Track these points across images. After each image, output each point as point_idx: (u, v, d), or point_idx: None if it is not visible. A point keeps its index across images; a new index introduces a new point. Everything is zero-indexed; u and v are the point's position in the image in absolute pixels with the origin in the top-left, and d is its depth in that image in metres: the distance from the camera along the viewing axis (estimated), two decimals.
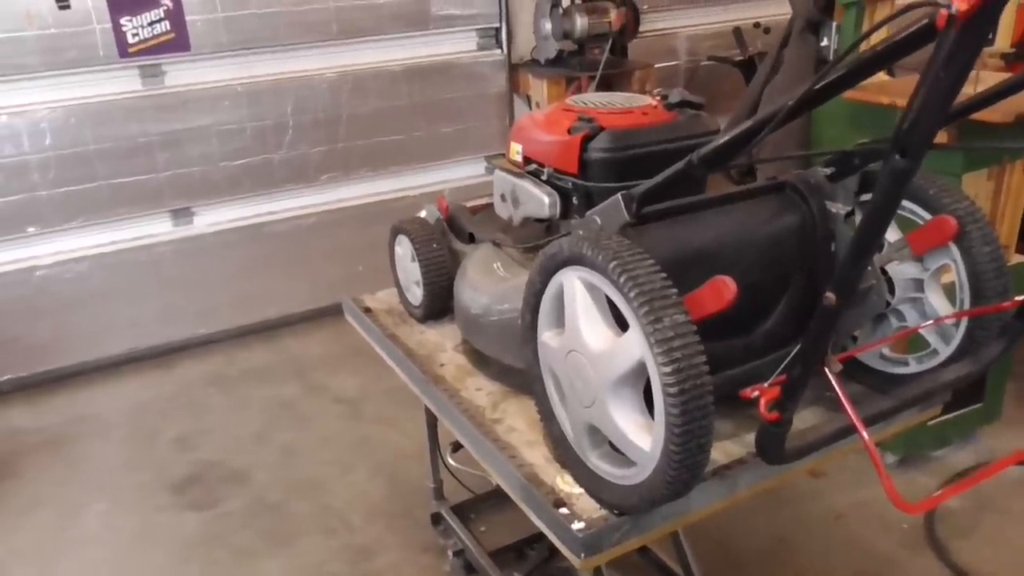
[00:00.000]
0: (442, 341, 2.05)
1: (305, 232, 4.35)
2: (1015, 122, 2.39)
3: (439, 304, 2.08)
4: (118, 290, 3.99)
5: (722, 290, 1.20)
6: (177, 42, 3.73)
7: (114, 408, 3.74)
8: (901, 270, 1.57)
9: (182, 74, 3.87)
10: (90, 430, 3.56)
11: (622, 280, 1.21)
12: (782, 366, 1.15)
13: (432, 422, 2.52)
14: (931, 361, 1.60)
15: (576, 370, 1.36)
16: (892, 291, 1.59)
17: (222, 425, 3.55)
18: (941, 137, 2.56)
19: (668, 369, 1.15)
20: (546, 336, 1.46)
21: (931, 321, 1.51)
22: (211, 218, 4.17)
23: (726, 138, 1.17)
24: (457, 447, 2.70)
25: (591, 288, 1.32)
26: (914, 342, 1.65)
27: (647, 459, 1.27)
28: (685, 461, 1.20)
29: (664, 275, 1.21)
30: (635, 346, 1.22)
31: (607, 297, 1.30)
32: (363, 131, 4.32)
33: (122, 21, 3.60)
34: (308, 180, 4.30)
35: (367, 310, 2.25)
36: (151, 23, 3.65)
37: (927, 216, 1.53)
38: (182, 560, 2.78)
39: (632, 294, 1.19)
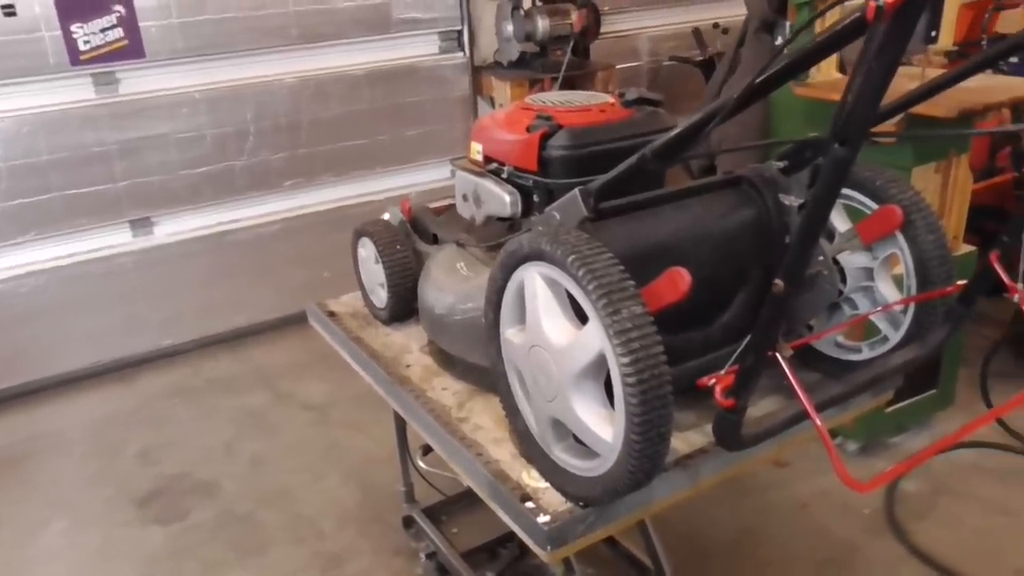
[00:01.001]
0: (408, 342, 2.05)
1: (270, 239, 4.32)
2: (958, 116, 2.47)
3: (404, 306, 2.09)
4: (77, 303, 3.92)
5: (677, 281, 1.23)
6: (131, 49, 3.69)
7: (74, 424, 3.67)
8: (852, 260, 1.62)
9: (137, 81, 3.82)
10: (49, 447, 3.50)
11: (580, 273, 1.23)
12: (736, 354, 1.18)
13: (401, 425, 2.53)
14: (882, 347, 1.65)
15: (539, 365, 1.38)
16: (845, 280, 1.63)
17: (188, 437, 3.51)
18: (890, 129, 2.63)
19: (627, 360, 1.18)
20: (509, 333, 1.48)
21: (880, 308, 1.55)
22: (172, 227, 4.13)
23: (677, 131, 1.20)
24: (427, 450, 2.70)
25: (551, 283, 1.35)
26: (868, 330, 1.70)
27: (609, 450, 1.29)
28: (646, 451, 1.22)
29: (622, 268, 1.24)
30: (595, 338, 1.24)
31: (567, 292, 1.33)
32: (326, 136, 4.31)
33: (72, 28, 3.54)
34: (271, 187, 4.27)
35: (331, 314, 2.25)
36: (103, 30, 3.60)
37: (875, 206, 1.58)
38: (148, 575, 2.75)
39: (591, 287, 1.21)
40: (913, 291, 1.53)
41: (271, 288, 4.34)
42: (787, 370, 1.16)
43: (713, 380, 1.21)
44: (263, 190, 4.27)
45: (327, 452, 3.34)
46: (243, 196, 4.23)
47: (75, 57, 3.59)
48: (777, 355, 1.16)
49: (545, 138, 1.68)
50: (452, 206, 2.24)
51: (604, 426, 1.30)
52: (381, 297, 2.13)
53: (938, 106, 2.43)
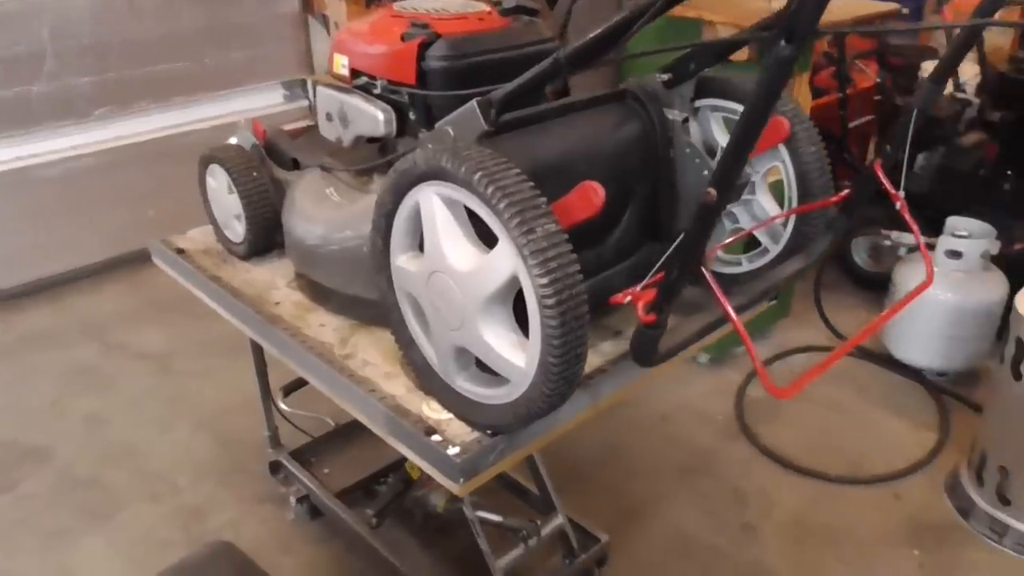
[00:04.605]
0: (272, 278, 1.89)
1: (82, 176, 3.86)
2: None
3: (265, 238, 1.92)
4: None
5: (591, 196, 1.18)
6: None
7: None
8: None
9: None
10: None
11: (489, 191, 1.15)
12: (656, 266, 1.16)
13: (262, 368, 2.36)
14: (761, 260, 1.70)
15: (440, 293, 1.30)
16: None
17: (8, 400, 3.13)
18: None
19: (544, 280, 1.12)
20: (401, 260, 1.38)
21: (766, 221, 1.58)
22: None
23: (593, 35, 1.13)
24: (289, 391, 2.56)
25: (451, 204, 1.25)
26: (744, 243, 1.74)
27: (521, 375, 1.24)
28: (563, 373, 1.18)
29: (532, 184, 1.17)
30: (506, 260, 1.17)
31: (468, 213, 1.25)
32: (140, 58, 3.88)
33: None
34: (79, 116, 3.81)
35: (180, 252, 2.02)
36: None
37: None
38: None
39: (501, 205, 1.14)
40: (794, 203, 1.57)
41: (88, 230, 3.91)
42: (712, 282, 1.15)
43: (628, 297, 1.18)
44: (69, 120, 3.81)
45: (172, 403, 3.10)
46: (45, 126, 3.76)
47: None
48: (703, 268, 1.14)
49: (423, 48, 1.55)
50: (310, 128, 2.06)
51: (515, 351, 1.24)
52: (237, 231, 1.94)
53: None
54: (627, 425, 2.99)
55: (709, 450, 2.87)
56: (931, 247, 3.09)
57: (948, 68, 1.31)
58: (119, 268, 3.97)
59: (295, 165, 1.93)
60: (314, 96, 1.83)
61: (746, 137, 0.92)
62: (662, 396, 3.11)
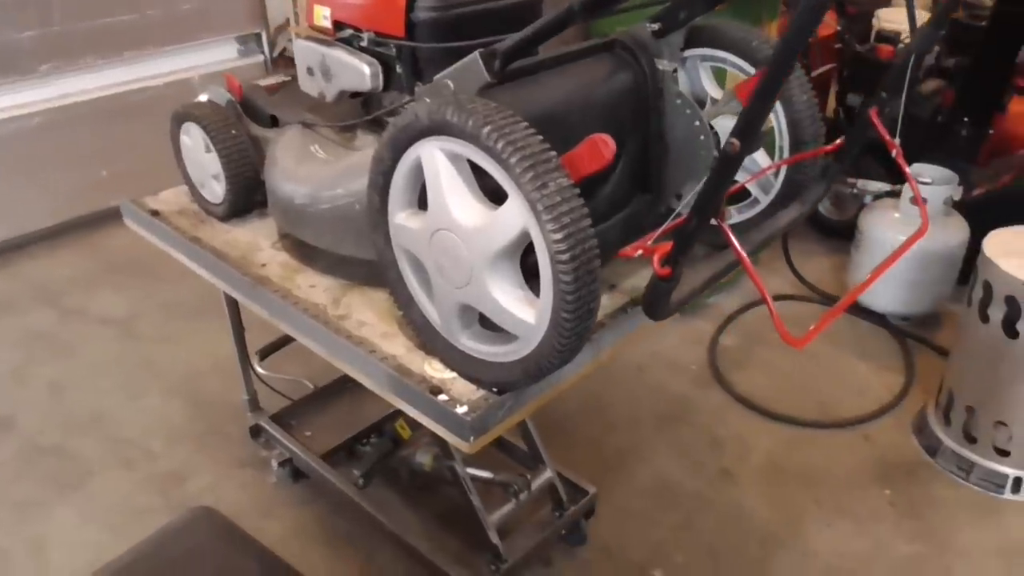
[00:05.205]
0: (255, 239, 1.84)
1: (29, 136, 3.68)
2: None
3: (245, 198, 1.86)
4: None
5: (601, 148, 1.16)
6: None
7: None
8: (725, 125, 1.63)
9: None
10: None
11: (499, 146, 1.12)
12: (671, 217, 1.15)
13: (239, 331, 2.31)
14: (751, 211, 1.71)
15: (444, 250, 1.27)
16: (719, 147, 1.65)
17: None
18: None
19: (558, 236, 1.11)
20: (400, 217, 1.35)
21: (759, 172, 1.59)
22: None
23: None
24: (265, 354, 2.52)
25: (455, 159, 1.23)
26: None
27: (531, 332, 1.23)
28: (576, 328, 1.18)
29: (541, 138, 1.15)
30: (517, 216, 1.15)
31: (471, 169, 1.22)
32: (84, 9, 3.68)
33: None
34: (22, 72, 3.62)
35: (155, 213, 1.95)
36: None
37: (748, 67, 1.58)
38: None
39: (513, 160, 1.11)
40: (786, 152, 1.57)
41: (38, 193, 3.75)
42: (727, 232, 1.15)
43: (640, 251, 1.17)
44: (12, 76, 3.62)
45: (140, 368, 3.02)
46: None
47: None
48: (721, 221, 1.14)
49: None
50: (287, 83, 2.00)
51: (524, 307, 1.23)
52: (216, 191, 1.88)
53: None
54: (604, 377, 3.02)
55: (685, 398, 2.92)
56: (895, 194, 3.16)
57: (946, 12, 1.31)
58: (72, 231, 3.84)
59: (273, 122, 1.87)
60: (270, 51, 1.76)
61: (772, 83, 0.91)
62: (637, 347, 3.14)
